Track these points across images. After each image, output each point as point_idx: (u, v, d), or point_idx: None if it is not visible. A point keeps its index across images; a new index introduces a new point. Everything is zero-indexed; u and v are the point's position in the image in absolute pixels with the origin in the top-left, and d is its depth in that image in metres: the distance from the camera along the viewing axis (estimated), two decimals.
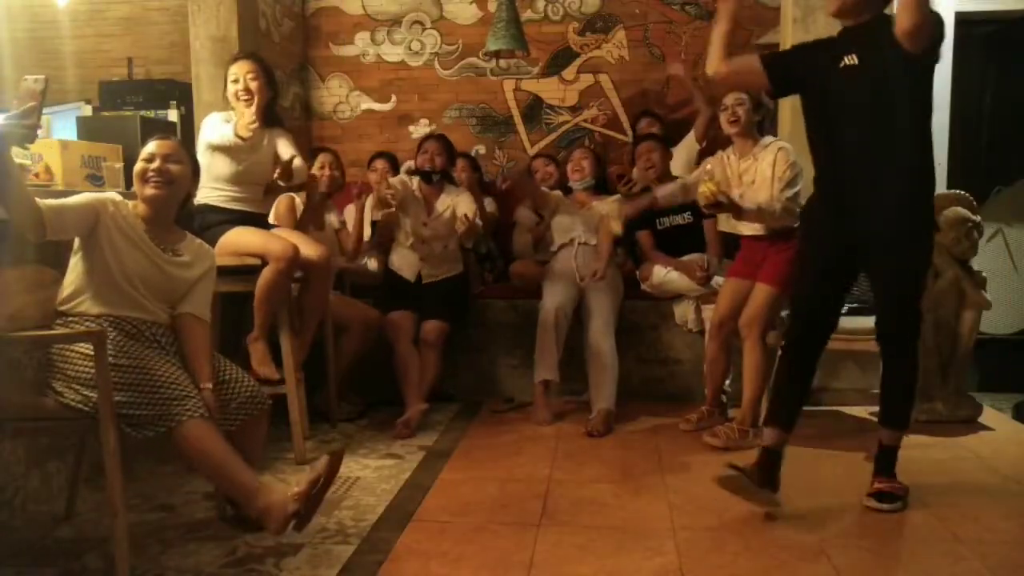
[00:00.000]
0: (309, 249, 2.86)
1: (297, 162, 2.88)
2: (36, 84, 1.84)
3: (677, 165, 3.81)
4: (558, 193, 3.76)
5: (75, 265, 2.07)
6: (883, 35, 2.20)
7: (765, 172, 2.98)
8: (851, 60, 2.25)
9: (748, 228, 3.08)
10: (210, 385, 2.05)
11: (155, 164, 2.12)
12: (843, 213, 2.33)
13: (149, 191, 2.12)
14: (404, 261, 3.59)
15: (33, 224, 1.90)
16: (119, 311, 2.05)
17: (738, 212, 2.91)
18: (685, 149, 4.02)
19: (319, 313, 3.07)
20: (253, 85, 2.84)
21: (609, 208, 3.43)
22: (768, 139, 3.09)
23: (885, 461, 2.42)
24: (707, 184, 2.76)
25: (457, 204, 3.53)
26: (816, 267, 2.40)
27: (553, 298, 3.43)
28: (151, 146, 2.16)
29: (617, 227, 3.18)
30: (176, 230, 2.24)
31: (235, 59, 2.96)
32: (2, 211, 1.91)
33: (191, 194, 2.30)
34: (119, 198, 2.13)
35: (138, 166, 2.14)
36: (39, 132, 1.91)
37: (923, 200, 2.32)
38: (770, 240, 3.03)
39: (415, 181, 3.59)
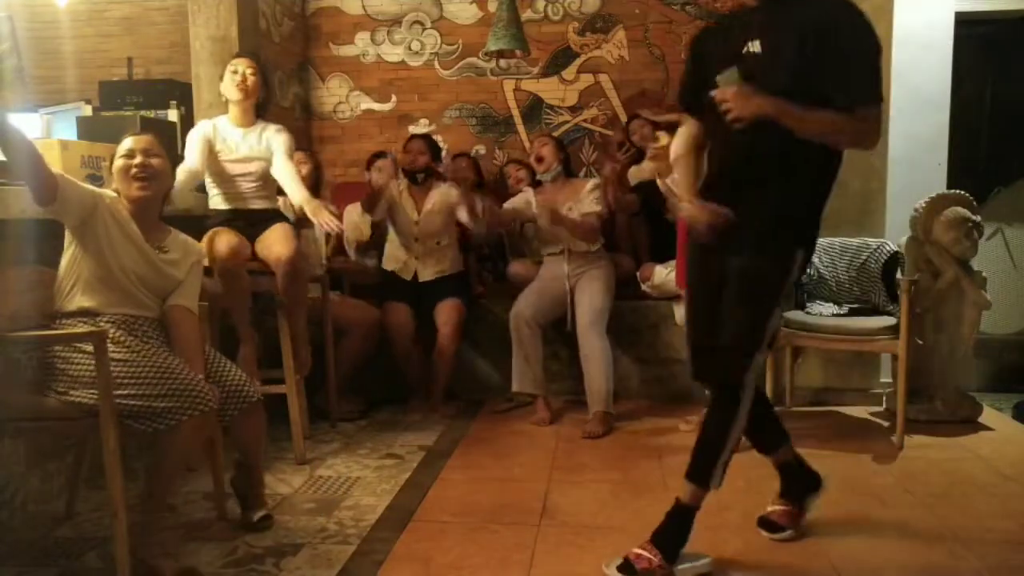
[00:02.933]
0: (280, 247, 2.81)
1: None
2: (2, 23, 1.77)
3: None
4: (523, 198, 3.63)
5: (69, 261, 2.06)
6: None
7: None
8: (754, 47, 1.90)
9: None
10: (201, 377, 2.05)
11: (137, 159, 2.09)
12: None
13: (136, 192, 2.09)
14: (398, 261, 3.62)
15: (42, 182, 1.90)
16: (114, 307, 2.04)
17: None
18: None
19: (298, 310, 2.93)
20: (251, 80, 2.87)
21: (588, 196, 3.45)
22: None
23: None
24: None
25: (448, 199, 3.57)
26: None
27: (518, 305, 3.43)
28: (128, 142, 2.13)
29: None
30: (162, 226, 2.22)
31: (236, 55, 2.99)
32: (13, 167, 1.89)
33: (171, 189, 2.29)
34: (114, 195, 2.12)
35: (119, 163, 2.11)
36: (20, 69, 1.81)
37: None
38: None
39: (403, 183, 3.63)
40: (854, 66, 1.82)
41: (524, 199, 3.61)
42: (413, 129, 4.62)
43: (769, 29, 1.87)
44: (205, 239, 2.77)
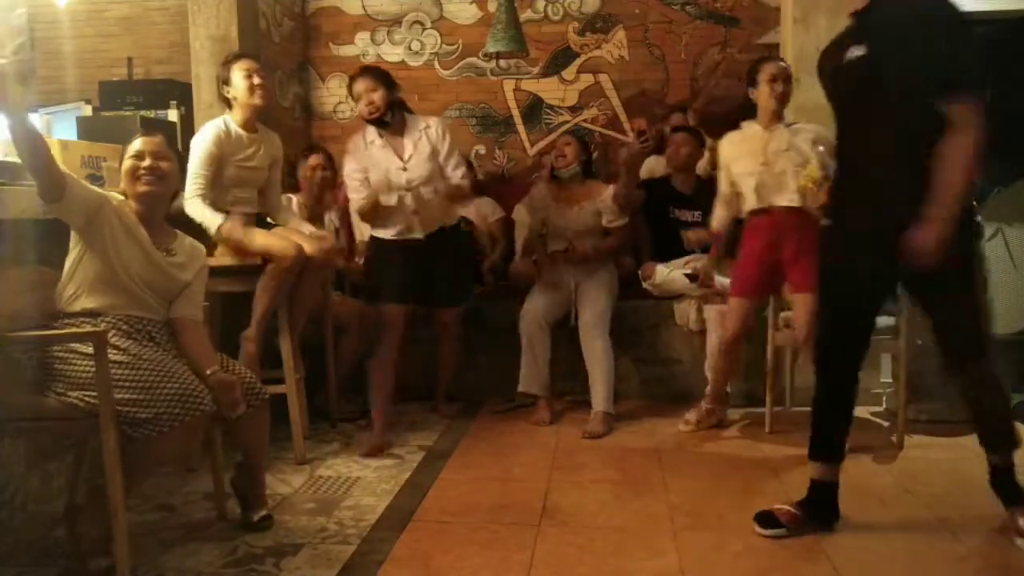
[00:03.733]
0: (307, 245, 2.86)
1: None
2: (19, 18, 1.80)
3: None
4: (540, 189, 3.64)
5: (74, 262, 2.05)
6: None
7: (804, 147, 2.89)
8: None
9: (785, 199, 2.95)
10: (216, 367, 2.07)
11: (146, 162, 2.10)
12: None
13: (143, 188, 2.10)
14: (395, 224, 3.12)
15: (53, 180, 1.90)
16: (118, 309, 2.04)
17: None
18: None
19: (307, 309, 3.04)
20: (269, 87, 2.91)
21: (606, 198, 3.45)
22: (792, 121, 3.04)
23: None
24: (807, 178, 2.72)
25: (428, 132, 3.09)
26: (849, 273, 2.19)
27: (528, 304, 3.43)
28: (138, 143, 2.13)
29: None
30: (168, 228, 2.23)
31: (242, 56, 2.95)
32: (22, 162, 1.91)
33: (178, 191, 2.30)
34: (120, 197, 2.13)
35: (128, 164, 2.11)
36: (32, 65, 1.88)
37: None
38: (798, 217, 2.90)
39: (371, 134, 3.08)
40: (928, 55, 1.91)
41: (540, 197, 3.60)
42: None
43: (871, 32, 1.93)
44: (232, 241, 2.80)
